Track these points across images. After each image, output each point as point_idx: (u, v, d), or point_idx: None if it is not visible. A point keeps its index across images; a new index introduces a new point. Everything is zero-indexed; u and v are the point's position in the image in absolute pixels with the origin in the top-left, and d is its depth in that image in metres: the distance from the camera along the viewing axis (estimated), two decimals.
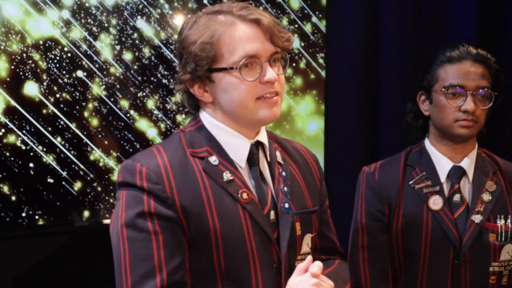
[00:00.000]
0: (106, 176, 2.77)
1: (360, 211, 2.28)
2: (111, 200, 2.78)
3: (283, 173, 1.79)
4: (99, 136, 2.75)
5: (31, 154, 2.61)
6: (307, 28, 3.21)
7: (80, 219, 2.72)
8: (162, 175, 1.65)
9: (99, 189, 2.75)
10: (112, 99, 2.77)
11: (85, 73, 2.72)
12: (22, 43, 2.59)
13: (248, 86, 1.67)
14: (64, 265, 2.73)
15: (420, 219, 2.20)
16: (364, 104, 3.39)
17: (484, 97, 2.18)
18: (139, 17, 2.82)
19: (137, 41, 2.81)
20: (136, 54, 2.82)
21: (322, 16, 3.24)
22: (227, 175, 1.70)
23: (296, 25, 3.17)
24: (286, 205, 1.74)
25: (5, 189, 2.56)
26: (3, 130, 2.56)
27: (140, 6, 2.82)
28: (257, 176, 1.74)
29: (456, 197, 2.21)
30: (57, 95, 2.66)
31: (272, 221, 1.72)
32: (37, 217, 2.63)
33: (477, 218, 2.18)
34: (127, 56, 2.80)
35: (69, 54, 2.68)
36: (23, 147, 2.60)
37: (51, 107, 2.65)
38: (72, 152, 2.69)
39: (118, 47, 2.78)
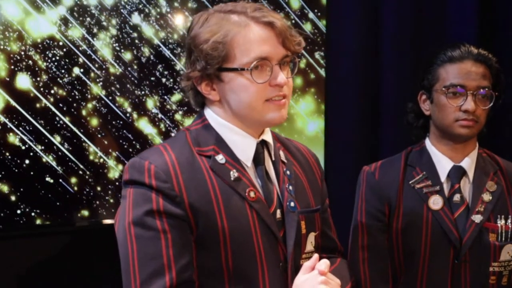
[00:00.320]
0: (106, 176, 2.77)
1: (360, 211, 2.28)
2: (111, 200, 2.78)
3: (288, 172, 1.80)
4: (99, 135, 2.75)
5: (31, 154, 2.61)
6: (307, 28, 3.21)
7: (80, 219, 2.72)
8: (170, 173, 1.65)
9: (98, 188, 2.75)
10: (111, 99, 2.77)
11: (84, 72, 2.72)
12: (21, 42, 2.58)
13: (257, 88, 1.68)
14: (64, 265, 2.72)
15: (420, 219, 2.20)
16: (364, 104, 3.39)
17: (485, 97, 2.17)
18: (138, 16, 2.82)
19: (136, 40, 2.81)
20: (135, 53, 2.82)
21: (322, 16, 3.24)
22: (234, 174, 1.70)
23: (294, 23, 3.17)
24: (292, 204, 1.75)
25: (5, 189, 2.56)
26: (1, 130, 2.56)
27: (140, 6, 2.82)
28: (263, 175, 1.75)
29: (456, 197, 2.21)
30: (56, 95, 2.66)
31: (278, 220, 1.73)
32: (36, 217, 2.62)
33: (477, 218, 2.17)
34: (126, 55, 2.80)
35: (68, 53, 2.68)
36: (22, 147, 2.59)
37: (51, 107, 2.65)
38: (71, 151, 2.69)
39: (117, 47, 2.78)
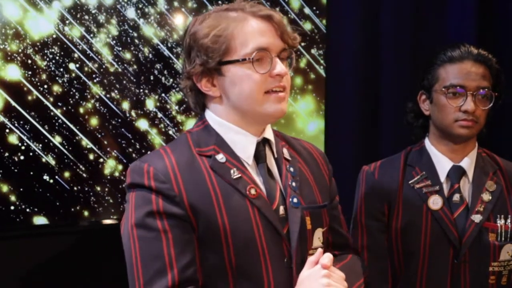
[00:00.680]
0: (106, 176, 2.77)
1: (360, 211, 2.28)
2: (111, 201, 2.78)
3: (291, 169, 1.80)
4: (99, 135, 2.75)
5: (30, 154, 2.61)
6: (307, 27, 3.21)
7: (80, 219, 2.72)
8: (169, 175, 1.67)
9: (98, 189, 2.75)
10: (111, 99, 2.77)
11: (83, 72, 2.72)
12: (20, 41, 2.58)
13: (258, 79, 1.70)
14: (64, 265, 2.73)
15: (419, 218, 2.20)
16: (364, 104, 3.39)
17: (485, 97, 2.17)
18: (138, 15, 2.82)
19: (135, 40, 2.81)
20: (134, 52, 2.82)
21: (322, 16, 3.24)
22: (234, 172, 1.72)
23: (294, 22, 3.17)
24: (295, 200, 1.75)
25: (5, 189, 2.56)
26: (1, 129, 2.56)
27: (140, 5, 2.82)
28: (264, 172, 1.76)
29: (456, 197, 2.21)
30: (56, 94, 2.66)
31: (281, 216, 1.73)
32: (36, 217, 2.63)
33: (476, 218, 2.17)
34: (126, 54, 2.80)
35: (68, 53, 2.68)
36: (22, 147, 2.60)
37: (50, 107, 2.65)
38: (71, 152, 2.69)
39: (116, 46, 2.78)
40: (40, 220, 2.63)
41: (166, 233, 1.64)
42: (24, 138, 2.60)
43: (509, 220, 2.20)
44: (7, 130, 2.57)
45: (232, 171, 1.71)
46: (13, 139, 2.58)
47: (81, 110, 2.71)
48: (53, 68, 2.65)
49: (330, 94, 3.29)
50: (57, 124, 2.66)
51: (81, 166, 2.71)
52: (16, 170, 2.58)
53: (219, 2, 2.99)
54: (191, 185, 1.67)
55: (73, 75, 2.70)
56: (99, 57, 2.74)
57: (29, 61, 2.61)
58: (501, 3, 3.52)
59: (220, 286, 1.68)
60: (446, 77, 2.19)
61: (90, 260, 2.74)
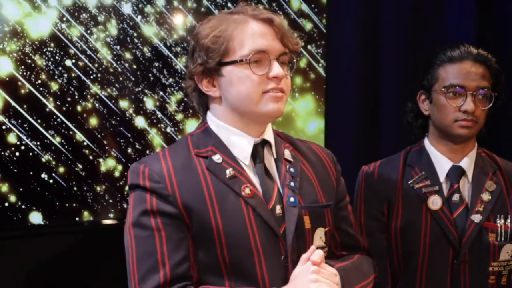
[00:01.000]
0: (106, 176, 2.77)
1: (359, 211, 2.28)
2: (111, 201, 2.78)
3: (291, 170, 1.81)
4: (99, 136, 2.75)
5: (30, 154, 2.61)
6: (307, 27, 3.21)
7: (80, 219, 2.72)
8: (164, 175, 1.71)
9: (98, 189, 2.75)
10: (111, 98, 2.77)
11: (83, 71, 2.72)
12: (19, 41, 2.58)
13: (256, 80, 1.72)
14: (64, 265, 2.72)
15: (419, 219, 2.20)
16: (364, 104, 3.39)
17: (484, 97, 2.17)
18: (137, 14, 2.82)
19: (135, 40, 2.81)
20: (134, 51, 2.82)
21: (322, 16, 3.24)
22: (230, 172, 1.74)
23: (294, 22, 3.17)
24: (292, 199, 1.76)
25: (4, 189, 2.56)
26: (1, 129, 2.56)
27: (140, 5, 2.82)
28: (261, 172, 1.77)
29: (455, 197, 2.21)
30: (56, 94, 2.66)
31: (278, 216, 1.75)
32: (36, 217, 2.62)
33: (476, 218, 2.17)
34: (126, 54, 2.80)
35: (67, 52, 2.68)
36: (22, 147, 2.60)
37: (50, 107, 2.65)
38: (71, 151, 2.69)
39: (116, 45, 2.78)
40: (38, 219, 2.63)
41: (159, 231, 1.68)
42: (24, 137, 2.60)
43: (508, 220, 2.20)
44: (6, 129, 2.57)
45: (227, 171, 1.74)
46: (12, 138, 2.57)
47: (81, 110, 2.71)
48: (52, 67, 2.65)
49: (330, 94, 3.29)
50: (56, 123, 2.66)
51: (80, 166, 2.71)
52: (15, 170, 2.58)
53: (219, 1, 2.99)
54: (185, 185, 1.71)
55: (73, 74, 2.70)
56: (98, 55, 2.74)
57: (28, 60, 2.61)
58: (501, 3, 3.52)
59: (215, 283, 1.71)
60: (446, 77, 2.19)
61: (90, 260, 2.74)
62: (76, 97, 2.70)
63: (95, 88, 2.74)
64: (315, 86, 3.24)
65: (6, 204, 2.57)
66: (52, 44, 2.64)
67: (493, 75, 2.20)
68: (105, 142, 2.76)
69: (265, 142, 1.81)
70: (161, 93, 2.88)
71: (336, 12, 3.33)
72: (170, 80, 2.90)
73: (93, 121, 2.74)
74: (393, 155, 2.36)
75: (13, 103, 2.58)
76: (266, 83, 1.73)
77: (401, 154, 2.32)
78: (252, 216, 1.71)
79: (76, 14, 2.69)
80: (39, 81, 2.62)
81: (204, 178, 1.72)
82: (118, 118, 2.78)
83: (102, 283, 2.74)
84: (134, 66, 2.82)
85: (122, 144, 2.80)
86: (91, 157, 2.73)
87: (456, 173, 2.22)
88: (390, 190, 2.24)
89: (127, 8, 2.80)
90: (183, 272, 1.67)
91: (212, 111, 1.82)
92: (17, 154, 2.59)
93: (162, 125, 2.88)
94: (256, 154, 1.78)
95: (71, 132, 2.69)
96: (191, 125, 2.91)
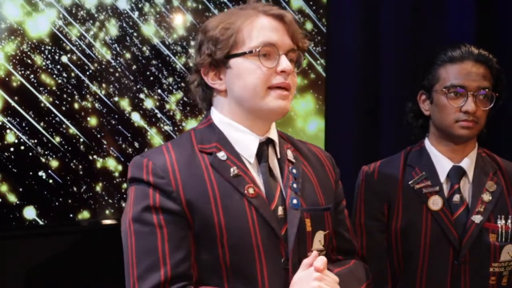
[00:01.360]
0: (105, 176, 2.77)
1: (359, 211, 2.28)
2: (110, 201, 2.77)
3: (294, 171, 1.80)
4: (98, 135, 2.74)
5: (30, 154, 2.61)
6: (307, 27, 3.21)
7: (79, 219, 2.72)
8: (167, 170, 1.68)
9: (98, 189, 2.75)
10: (110, 98, 2.76)
11: (84, 74, 2.72)
12: (19, 41, 2.58)
13: (263, 72, 1.71)
14: (63, 265, 2.72)
15: (419, 219, 2.19)
16: (364, 104, 3.39)
17: (485, 98, 2.17)
18: (137, 14, 2.82)
19: (135, 39, 2.81)
20: (133, 50, 2.82)
21: (322, 16, 3.24)
22: (234, 170, 1.72)
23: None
24: (294, 201, 1.75)
25: (4, 188, 2.56)
26: (2, 131, 2.56)
27: (140, 5, 2.82)
28: (265, 172, 1.75)
29: (456, 197, 2.20)
30: (55, 94, 2.66)
31: (280, 217, 1.73)
32: (36, 217, 2.62)
33: (477, 219, 2.17)
34: (125, 53, 2.80)
35: (66, 50, 2.68)
36: (22, 147, 2.59)
37: (50, 107, 2.65)
38: (71, 151, 2.69)
39: (115, 44, 2.78)
40: (32, 214, 2.62)
41: (161, 228, 1.65)
42: (25, 138, 2.59)
43: (509, 221, 2.19)
44: (6, 129, 2.56)
45: (232, 169, 1.72)
46: (12, 139, 2.57)
47: (81, 110, 2.71)
48: (51, 66, 2.65)
49: (330, 94, 3.29)
50: (55, 123, 2.66)
51: (80, 166, 2.71)
52: (15, 170, 2.58)
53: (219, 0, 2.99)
54: (189, 181, 1.68)
55: (72, 74, 2.69)
56: (96, 54, 2.74)
57: (27, 60, 2.60)
58: (501, 3, 3.52)
59: (215, 282, 1.68)
60: (447, 77, 2.18)
61: (90, 260, 2.74)
62: (76, 97, 2.70)
63: (94, 87, 2.74)
64: (315, 86, 3.24)
65: (6, 204, 2.57)
66: (50, 43, 2.64)
67: (494, 75, 2.19)
68: (104, 141, 2.76)
69: (269, 141, 1.79)
70: (160, 91, 2.87)
71: (336, 12, 3.33)
72: (170, 79, 2.90)
73: (93, 121, 2.74)
74: (393, 155, 2.35)
75: (13, 103, 2.58)
76: (273, 77, 1.72)
77: (401, 154, 2.32)
78: (255, 216, 1.69)
79: (75, 13, 2.69)
80: (38, 80, 2.62)
81: (208, 175, 1.70)
82: (118, 119, 2.78)
83: (102, 283, 2.73)
84: (134, 66, 2.81)
85: (121, 143, 2.80)
86: (90, 156, 2.73)
87: (457, 173, 2.22)
88: (390, 190, 2.23)
89: (126, 7, 2.79)
90: (184, 271, 1.65)
91: (216, 106, 1.80)
92: (16, 153, 2.59)
93: (161, 124, 2.88)
94: (261, 153, 1.76)
95: (70, 131, 2.68)
96: (190, 125, 2.91)
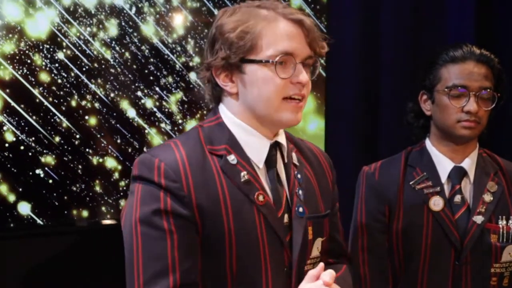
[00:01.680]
0: (105, 176, 2.76)
1: (360, 212, 2.27)
2: (110, 201, 2.77)
3: (298, 176, 1.77)
4: (98, 135, 2.74)
5: (30, 154, 2.60)
6: None
7: (79, 219, 2.72)
8: (180, 173, 1.62)
9: (98, 189, 2.74)
10: (110, 97, 2.76)
11: (84, 73, 2.71)
12: (19, 41, 2.58)
13: (278, 83, 1.65)
14: (63, 265, 2.72)
15: (420, 220, 2.18)
16: (364, 104, 3.39)
17: (487, 98, 2.16)
18: (137, 13, 2.82)
19: (135, 40, 2.81)
20: (133, 50, 2.81)
21: (322, 16, 3.24)
22: (244, 176, 1.67)
23: None
24: (300, 209, 1.72)
25: (4, 189, 2.55)
26: (1, 130, 2.55)
27: (140, 5, 2.81)
28: (274, 178, 1.72)
29: (457, 198, 2.20)
30: (55, 94, 2.65)
31: (285, 225, 1.70)
32: (36, 217, 2.62)
33: (478, 219, 2.16)
34: (125, 53, 2.79)
35: (66, 51, 2.67)
36: (22, 147, 2.59)
37: (49, 106, 2.64)
38: (71, 151, 2.68)
39: (115, 44, 2.77)
40: (39, 220, 2.62)
41: (171, 234, 1.60)
42: (25, 138, 2.59)
43: (510, 221, 2.19)
44: (5, 129, 2.56)
45: (242, 174, 1.67)
46: (12, 139, 2.57)
47: (80, 110, 2.71)
48: (50, 66, 2.65)
49: (330, 94, 3.29)
50: (55, 123, 2.65)
51: (80, 166, 2.70)
52: (15, 171, 2.58)
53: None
54: (200, 186, 1.63)
55: (72, 74, 2.69)
56: (96, 53, 2.73)
57: (26, 59, 2.60)
58: (501, 3, 3.52)
59: None
60: (449, 78, 2.17)
61: (90, 261, 2.73)
62: (76, 97, 2.69)
63: (92, 86, 2.74)
64: (315, 86, 3.23)
65: (6, 204, 2.56)
66: (49, 42, 2.63)
67: (495, 75, 2.18)
68: (103, 141, 2.76)
69: (276, 144, 1.75)
70: (158, 89, 2.87)
71: (336, 12, 3.33)
72: (170, 79, 2.89)
73: (93, 121, 2.73)
74: (394, 156, 2.35)
75: (13, 103, 2.57)
76: (288, 88, 1.66)
77: (402, 155, 2.31)
78: (264, 224, 1.66)
79: (74, 12, 2.69)
80: (38, 80, 2.62)
81: (219, 180, 1.65)
82: (117, 118, 2.78)
83: (102, 283, 2.73)
84: (133, 65, 2.81)
85: (120, 142, 2.79)
86: (90, 157, 2.73)
87: (458, 174, 2.21)
88: (391, 191, 2.23)
89: (126, 6, 2.79)
90: (192, 279, 1.61)
91: (226, 105, 1.73)
92: (16, 153, 2.58)
93: (161, 124, 2.88)
94: (270, 158, 1.72)
95: (69, 131, 2.68)
96: (190, 124, 2.91)
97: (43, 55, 2.62)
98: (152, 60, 2.85)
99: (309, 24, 1.68)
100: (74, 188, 2.69)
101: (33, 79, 2.61)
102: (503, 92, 2.20)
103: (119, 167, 2.78)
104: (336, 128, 3.32)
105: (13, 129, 2.57)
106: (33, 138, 2.61)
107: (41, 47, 2.62)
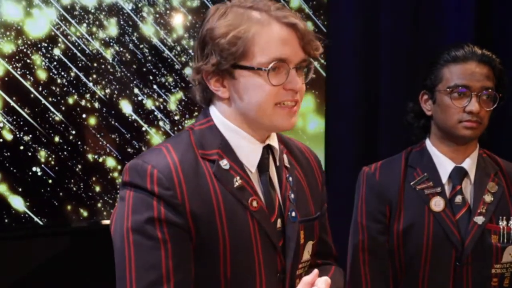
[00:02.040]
0: (105, 176, 2.76)
1: (361, 212, 2.26)
2: (110, 201, 2.76)
3: (290, 179, 1.74)
4: (98, 135, 2.74)
5: (29, 154, 2.60)
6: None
7: (79, 219, 2.71)
8: (173, 180, 1.58)
9: (97, 189, 2.74)
10: (111, 98, 2.75)
11: (83, 72, 2.71)
12: (19, 41, 2.57)
13: (271, 90, 1.60)
14: (63, 265, 2.72)
15: (421, 220, 2.18)
16: (364, 104, 3.39)
17: (489, 98, 2.16)
18: (136, 13, 2.81)
19: (135, 40, 2.80)
20: (133, 50, 2.81)
21: (322, 16, 3.24)
22: (237, 181, 1.64)
23: None
24: (293, 214, 1.70)
25: (3, 189, 2.55)
26: (0, 130, 2.55)
27: (139, 5, 2.81)
28: (266, 183, 1.69)
29: (458, 199, 2.19)
30: (55, 94, 2.65)
31: (278, 230, 1.68)
32: (35, 217, 2.61)
33: (479, 220, 2.16)
34: (126, 54, 2.79)
35: (65, 51, 2.67)
36: (21, 147, 2.58)
37: (49, 106, 2.64)
38: (70, 151, 2.68)
39: (116, 45, 2.77)
40: (38, 220, 2.62)
41: (165, 243, 1.56)
42: (25, 138, 2.58)
43: (511, 222, 2.19)
44: (4, 128, 2.55)
45: (235, 180, 1.64)
46: (11, 139, 2.56)
47: (80, 109, 2.70)
48: (50, 65, 2.64)
49: (330, 94, 3.29)
50: (55, 123, 2.65)
51: (80, 166, 2.70)
52: (15, 171, 2.57)
53: None
54: (194, 193, 1.59)
55: (72, 74, 2.69)
56: (95, 52, 2.73)
57: (26, 59, 2.59)
58: (500, 3, 3.52)
59: None
60: (450, 78, 2.17)
61: (90, 261, 2.73)
62: (75, 96, 2.69)
63: (94, 88, 2.73)
64: (315, 86, 3.23)
65: (5, 204, 2.56)
66: (47, 40, 2.63)
67: (496, 75, 2.18)
68: (103, 141, 2.75)
69: (268, 147, 1.71)
70: (158, 89, 2.87)
71: (336, 12, 3.33)
72: (170, 79, 2.89)
73: (92, 121, 2.73)
74: (394, 156, 2.34)
75: (12, 103, 2.57)
76: (281, 94, 1.62)
77: (402, 155, 2.30)
78: (257, 230, 1.64)
79: (74, 12, 2.68)
80: (37, 80, 2.61)
81: (212, 186, 1.62)
82: (117, 118, 2.77)
83: (102, 283, 2.72)
84: (133, 65, 2.81)
85: (119, 142, 2.79)
86: (90, 157, 2.72)
87: (459, 174, 2.21)
88: (391, 192, 2.22)
89: (125, 5, 2.79)
90: None
91: (218, 108, 1.69)
92: (16, 154, 2.58)
93: (160, 123, 2.87)
94: (262, 162, 1.69)
95: (68, 130, 2.68)
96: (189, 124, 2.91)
97: (41, 53, 2.62)
98: (151, 59, 2.85)
99: (303, 27, 1.63)
100: (73, 188, 2.69)
101: (31, 78, 2.60)
102: (504, 92, 2.19)
103: (119, 167, 2.77)
104: (336, 128, 3.32)
105: (12, 128, 2.56)
106: (32, 137, 2.61)
107: (39, 46, 2.62)
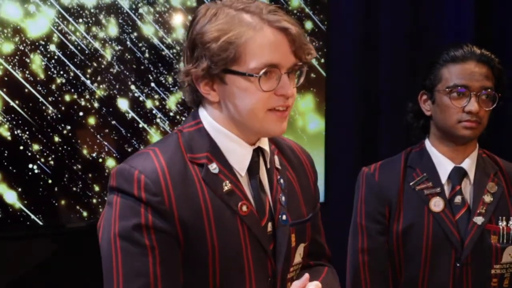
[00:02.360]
0: (104, 176, 2.76)
1: (360, 213, 2.26)
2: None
3: (281, 180, 1.72)
4: (97, 134, 2.73)
5: (29, 154, 2.60)
6: (308, 27, 3.20)
7: (78, 220, 2.71)
8: (161, 185, 1.55)
9: (96, 189, 2.74)
10: (110, 97, 2.75)
11: (82, 71, 2.71)
12: (19, 41, 2.57)
13: (262, 96, 1.57)
14: (63, 266, 2.72)
15: (421, 221, 2.18)
16: (364, 104, 3.40)
17: (488, 98, 2.15)
18: (136, 13, 2.81)
19: (135, 39, 2.80)
20: (133, 50, 2.81)
21: (322, 16, 3.23)
22: (227, 185, 1.61)
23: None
24: (284, 217, 1.67)
25: (3, 189, 2.55)
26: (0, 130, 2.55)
27: (139, 4, 2.81)
28: (256, 186, 1.66)
29: (458, 199, 2.19)
30: (54, 94, 2.65)
31: (269, 233, 1.66)
32: (34, 217, 2.61)
33: (479, 220, 2.16)
34: (125, 52, 2.79)
35: (65, 51, 2.67)
36: (21, 147, 2.58)
37: (49, 107, 2.64)
38: (70, 152, 2.68)
39: (116, 45, 2.77)
40: (38, 221, 2.62)
41: (153, 250, 1.53)
42: (24, 138, 2.58)
43: (510, 222, 2.19)
44: (4, 127, 2.55)
45: (224, 184, 1.61)
46: (11, 139, 2.56)
47: (79, 109, 2.70)
48: (49, 65, 2.64)
49: (330, 94, 3.29)
50: (54, 123, 2.65)
51: (79, 166, 2.70)
52: (14, 171, 2.57)
53: None
54: (182, 198, 1.56)
55: (71, 73, 2.68)
56: (94, 51, 2.73)
57: (24, 57, 2.59)
58: (500, 3, 3.52)
59: None
60: (449, 77, 2.17)
61: (90, 261, 2.72)
62: (75, 96, 2.69)
63: (94, 88, 2.73)
64: (315, 86, 3.23)
65: (5, 205, 2.56)
66: (49, 42, 2.63)
67: (495, 75, 2.18)
68: (102, 140, 2.75)
69: (259, 149, 1.68)
70: (153, 84, 2.86)
71: (336, 12, 3.33)
72: (169, 78, 2.89)
73: (92, 121, 2.73)
74: (393, 156, 2.34)
75: (12, 103, 2.57)
76: (272, 100, 1.58)
77: (402, 155, 2.30)
78: (247, 235, 1.61)
79: (73, 12, 2.68)
80: (37, 79, 2.61)
81: (201, 191, 1.58)
82: (117, 118, 2.77)
83: (102, 283, 2.72)
84: (133, 65, 2.81)
85: (119, 141, 2.79)
86: (89, 157, 2.72)
87: (458, 174, 2.21)
88: (391, 192, 2.22)
89: (126, 6, 2.79)
90: None
91: (207, 111, 1.65)
92: (16, 155, 2.58)
93: (160, 123, 2.87)
94: (252, 165, 1.66)
95: (67, 129, 2.68)
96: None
97: (40, 52, 2.62)
98: (150, 58, 2.84)
99: (295, 32, 1.59)
100: (73, 187, 2.69)
101: (30, 77, 2.60)
102: (503, 92, 2.19)
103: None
104: (336, 128, 3.32)
105: (12, 128, 2.56)
106: (30, 136, 2.60)
107: (37, 45, 2.62)
